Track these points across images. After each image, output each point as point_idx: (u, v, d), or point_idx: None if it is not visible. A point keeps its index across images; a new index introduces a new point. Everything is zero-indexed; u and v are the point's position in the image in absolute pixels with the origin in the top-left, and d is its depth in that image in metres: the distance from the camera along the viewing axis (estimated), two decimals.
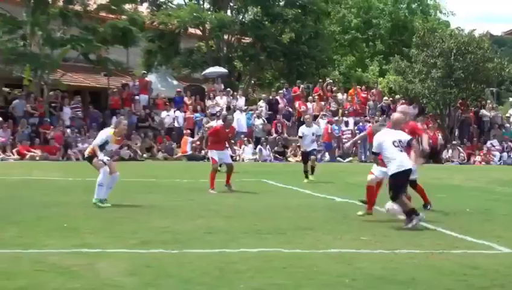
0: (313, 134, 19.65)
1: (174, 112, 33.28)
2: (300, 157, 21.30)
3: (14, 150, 28.12)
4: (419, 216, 10.66)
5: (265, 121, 33.61)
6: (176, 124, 32.87)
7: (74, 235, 9.62)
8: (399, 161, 10.73)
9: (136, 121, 32.46)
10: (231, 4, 42.57)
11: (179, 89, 35.86)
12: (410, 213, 10.63)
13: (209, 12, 40.46)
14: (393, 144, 10.80)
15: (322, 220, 11.12)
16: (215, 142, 16.43)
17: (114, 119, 31.69)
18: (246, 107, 34.44)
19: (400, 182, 10.77)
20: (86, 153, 13.12)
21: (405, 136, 11.06)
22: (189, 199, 14.60)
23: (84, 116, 32.01)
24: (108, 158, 12.73)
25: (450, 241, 9.71)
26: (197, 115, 33.13)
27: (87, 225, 10.60)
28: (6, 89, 33.22)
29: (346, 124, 33.75)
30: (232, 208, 12.77)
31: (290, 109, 35.23)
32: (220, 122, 17.66)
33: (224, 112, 27.19)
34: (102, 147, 12.72)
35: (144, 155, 30.31)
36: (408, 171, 10.85)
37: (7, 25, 30.79)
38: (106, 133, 12.86)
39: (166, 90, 37.01)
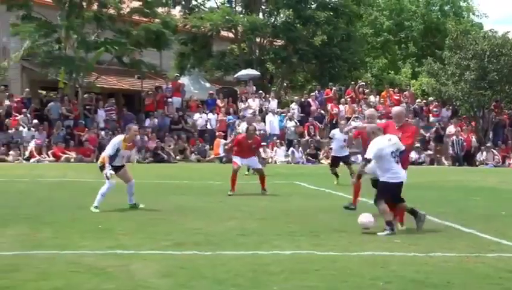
0: (344, 140, 19.48)
1: (207, 114, 33.42)
2: (330, 160, 21.16)
3: (49, 152, 28.46)
4: (393, 231, 10.30)
5: (298, 124, 33.58)
6: (208, 126, 32.99)
7: (108, 237, 9.71)
8: (395, 172, 10.47)
9: (169, 123, 32.70)
10: (263, 7, 42.63)
11: (211, 92, 36.01)
12: (389, 224, 10.37)
13: (241, 15, 40.54)
14: (392, 154, 10.51)
15: (355, 222, 11.07)
16: (239, 151, 16.38)
17: (148, 122, 32.07)
18: (278, 110, 34.46)
19: (388, 190, 10.50)
20: (98, 163, 13.01)
21: (401, 146, 10.71)
22: (221, 200, 14.65)
23: (118, 119, 32.28)
24: (113, 172, 12.50)
25: (485, 245, 9.63)
26: (230, 117, 33.21)
27: (121, 226, 10.70)
28: (42, 92, 33.62)
29: None
30: (264, 210, 12.80)
31: (322, 111, 35.17)
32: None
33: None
34: (115, 155, 12.64)
35: (177, 157, 30.49)
36: (400, 185, 10.56)
37: (42, 28, 31.15)
38: (117, 141, 12.75)
39: (199, 92, 37.17)
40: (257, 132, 18.99)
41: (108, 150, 12.66)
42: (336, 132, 19.73)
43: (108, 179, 12.38)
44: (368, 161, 10.62)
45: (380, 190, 10.65)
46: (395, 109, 12.32)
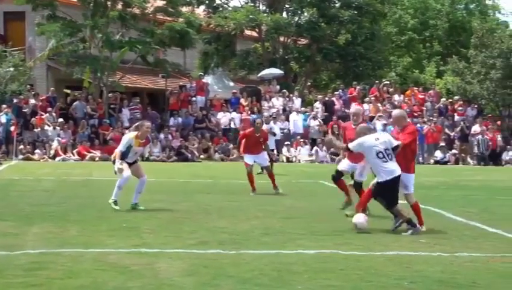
0: None
1: (231, 113, 33.47)
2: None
3: (74, 151, 28.65)
4: (416, 228, 10.28)
5: (322, 122, 33.50)
6: (232, 125, 33.03)
7: (133, 235, 9.77)
8: (386, 171, 10.27)
9: (193, 122, 32.78)
10: (287, 6, 42.56)
11: (235, 91, 36.04)
12: (409, 222, 10.32)
13: (265, 14, 40.49)
14: (378, 154, 10.32)
15: (380, 222, 11.04)
16: (247, 146, 16.36)
17: (172, 120, 32.16)
18: (302, 109, 34.40)
19: (386, 190, 10.35)
20: (112, 157, 13.01)
21: (392, 143, 10.46)
22: (245, 199, 14.66)
23: (143, 118, 32.28)
24: (121, 166, 12.31)
25: (510, 245, 9.57)
26: (254, 116, 33.17)
27: (146, 224, 10.75)
28: (67, 91, 33.89)
29: None
30: (288, 209, 12.78)
31: (346, 110, 35.01)
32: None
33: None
34: (127, 151, 12.55)
35: (201, 156, 30.56)
36: (396, 179, 10.31)
37: (67, 28, 31.38)
38: (128, 138, 12.66)
39: (222, 91, 37.23)
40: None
41: (120, 147, 12.60)
42: None
43: (116, 173, 12.37)
44: (348, 149, 10.84)
45: (379, 192, 10.47)
46: (395, 113, 11.86)
